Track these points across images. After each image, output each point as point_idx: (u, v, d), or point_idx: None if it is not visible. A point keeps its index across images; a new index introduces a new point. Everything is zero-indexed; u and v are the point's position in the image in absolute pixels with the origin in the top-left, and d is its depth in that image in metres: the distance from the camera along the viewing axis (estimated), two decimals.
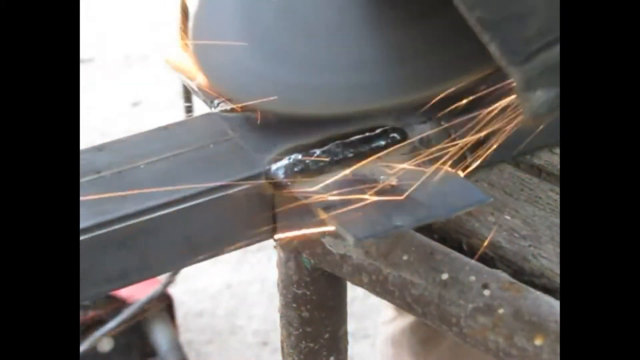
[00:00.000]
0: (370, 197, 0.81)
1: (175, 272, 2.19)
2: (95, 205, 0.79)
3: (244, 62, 0.92)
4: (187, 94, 0.94)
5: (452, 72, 0.87)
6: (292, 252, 0.96)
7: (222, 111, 0.92)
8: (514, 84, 0.80)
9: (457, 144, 0.89)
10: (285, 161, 0.85)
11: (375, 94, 0.88)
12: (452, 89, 0.86)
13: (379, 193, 0.82)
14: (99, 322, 2.18)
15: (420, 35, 0.89)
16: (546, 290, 0.84)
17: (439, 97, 0.86)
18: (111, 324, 2.13)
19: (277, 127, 0.89)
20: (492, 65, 0.84)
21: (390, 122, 0.90)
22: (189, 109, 1.79)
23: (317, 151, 0.86)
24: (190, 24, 0.97)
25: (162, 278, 2.28)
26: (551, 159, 0.97)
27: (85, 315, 2.17)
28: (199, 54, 0.94)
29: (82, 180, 0.82)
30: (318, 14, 0.93)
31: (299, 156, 0.85)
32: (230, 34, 0.94)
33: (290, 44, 0.91)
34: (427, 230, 0.90)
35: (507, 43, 0.78)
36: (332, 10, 0.92)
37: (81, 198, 0.79)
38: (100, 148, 0.87)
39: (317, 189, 0.83)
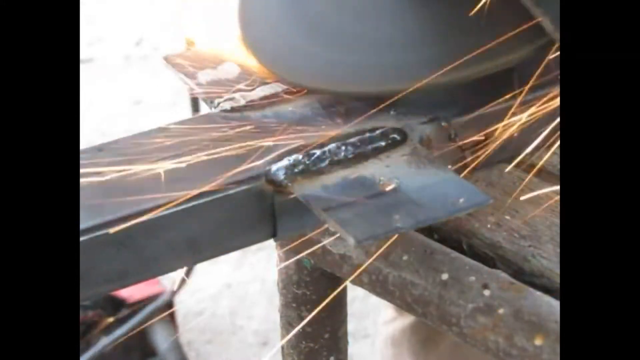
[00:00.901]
0: (370, 198, 0.81)
1: (182, 282, 2.20)
2: (95, 206, 0.79)
3: (292, 41, 0.93)
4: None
5: (496, 51, 0.87)
6: (292, 252, 0.96)
7: (222, 111, 0.92)
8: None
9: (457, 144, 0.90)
10: (285, 161, 0.85)
11: (425, 71, 0.88)
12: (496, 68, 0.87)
13: (379, 194, 0.82)
14: (99, 322, 2.18)
15: (463, 13, 0.89)
16: (546, 290, 0.84)
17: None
18: (118, 332, 2.13)
19: (277, 127, 0.89)
20: (527, 48, 0.85)
21: (391, 122, 0.90)
22: (195, 103, 1.77)
23: (317, 151, 0.86)
24: (237, 4, 0.98)
25: (168, 284, 2.28)
26: (551, 159, 0.97)
27: (85, 315, 2.17)
28: (248, 34, 0.96)
29: (82, 180, 0.82)
30: None
31: (299, 156, 0.85)
32: (276, 13, 0.96)
33: (339, 24, 0.92)
34: (427, 230, 0.90)
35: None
36: None
37: (81, 199, 0.79)
38: (100, 148, 0.87)
39: (317, 190, 0.83)
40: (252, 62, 0.96)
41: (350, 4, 0.94)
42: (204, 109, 0.94)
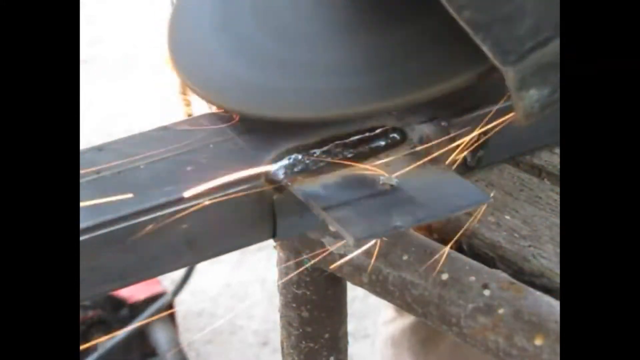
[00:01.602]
0: (369, 197, 0.81)
1: (184, 281, 2.20)
2: (95, 206, 0.79)
3: (223, 65, 0.91)
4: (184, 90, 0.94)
5: (432, 77, 0.86)
6: (292, 252, 0.97)
7: (222, 111, 0.92)
8: (508, 84, 0.80)
9: (457, 144, 0.90)
10: (285, 161, 0.85)
11: (356, 98, 0.87)
12: (434, 95, 0.85)
13: (378, 193, 0.82)
14: (99, 322, 2.18)
15: (400, 41, 0.88)
16: (546, 290, 0.84)
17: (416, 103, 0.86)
18: (120, 334, 2.14)
19: (277, 127, 0.89)
20: (474, 69, 0.84)
21: (390, 122, 0.90)
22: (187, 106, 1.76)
23: (317, 151, 0.86)
24: (167, 26, 0.96)
25: (169, 285, 2.29)
26: (551, 159, 0.97)
27: (85, 315, 2.17)
28: (177, 56, 0.94)
29: (82, 180, 0.82)
30: (296, 18, 0.92)
31: (299, 156, 0.85)
32: (208, 37, 0.93)
33: (269, 48, 0.91)
34: (427, 230, 0.90)
35: (500, 43, 0.78)
36: (310, 14, 0.92)
37: (81, 198, 0.79)
38: (100, 148, 0.87)
39: (317, 189, 0.83)
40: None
41: (279, 27, 0.92)
42: (204, 109, 0.94)
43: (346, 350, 1.05)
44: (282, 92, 0.88)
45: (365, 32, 0.90)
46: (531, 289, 0.83)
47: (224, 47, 0.92)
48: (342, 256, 0.91)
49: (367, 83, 0.87)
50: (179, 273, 2.22)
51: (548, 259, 0.87)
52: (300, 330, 1.01)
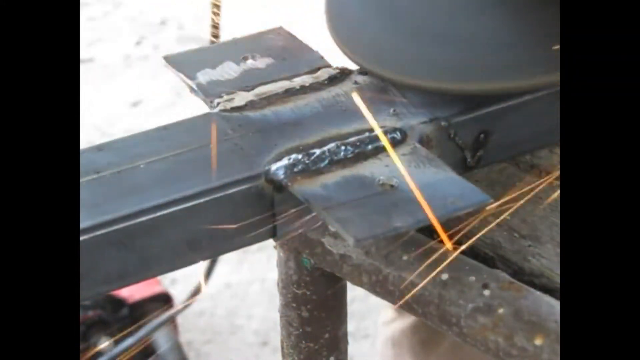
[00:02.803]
0: (369, 198, 0.81)
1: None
2: (95, 205, 0.79)
3: (381, 35, 0.94)
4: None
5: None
6: (292, 252, 0.96)
7: (222, 111, 0.92)
8: None
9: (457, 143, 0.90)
10: (285, 161, 0.85)
11: (510, 74, 0.89)
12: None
13: (378, 193, 0.82)
14: (99, 322, 2.18)
15: (552, 17, 0.89)
16: (546, 290, 0.84)
17: None
18: (124, 345, 2.14)
19: (277, 127, 0.89)
20: None
21: (390, 122, 0.90)
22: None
23: (317, 151, 0.86)
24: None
25: (169, 285, 2.28)
26: (551, 159, 0.97)
27: (85, 315, 2.16)
28: (336, 28, 0.97)
29: (82, 180, 0.82)
30: None
31: (299, 156, 0.85)
32: (365, 8, 0.96)
33: (427, 20, 0.93)
34: (427, 230, 0.90)
35: None
36: None
37: (81, 198, 0.79)
38: (100, 148, 0.87)
39: (317, 189, 0.83)
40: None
41: (443, 3, 0.94)
42: (204, 109, 0.95)
43: (346, 350, 1.05)
44: (441, 63, 0.91)
45: (521, 6, 0.92)
46: (531, 289, 0.83)
47: (381, 17, 0.95)
48: (342, 256, 0.91)
49: (526, 57, 0.89)
50: (180, 273, 2.22)
51: (548, 259, 0.87)
52: (300, 330, 1.01)
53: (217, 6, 1.00)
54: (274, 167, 0.84)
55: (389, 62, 0.93)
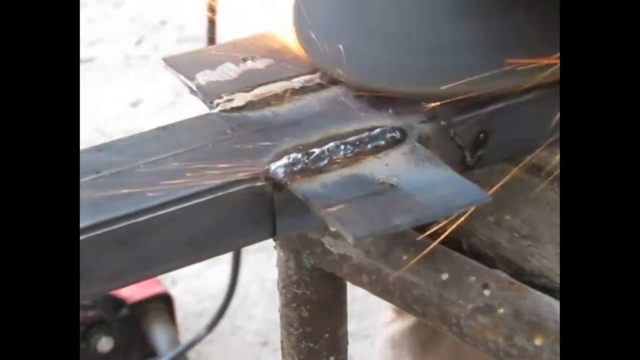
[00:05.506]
0: (369, 196, 0.81)
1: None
2: (95, 205, 0.79)
3: (346, 40, 0.95)
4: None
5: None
6: (292, 252, 0.97)
7: (221, 111, 0.92)
8: None
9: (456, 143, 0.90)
10: (285, 161, 0.85)
11: (472, 76, 0.90)
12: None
13: (378, 192, 0.82)
14: (99, 322, 2.18)
15: (514, 25, 0.92)
16: (546, 290, 0.84)
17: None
18: None
19: (276, 127, 0.89)
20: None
21: (390, 121, 0.90)
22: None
23: (317, 150, 0.86)
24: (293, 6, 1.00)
25: (170, 285, 2.29)
26: (551, 159, 0.97)
27: (85, 315, 2.16)
28: (302, 29, 0.98)
29: (82, 180, 0.82)
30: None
31: (299, 155, 0.85)
32: (334, 14, 0.98)
33: (393, 26, 0.95)
34: (427, 230, 0.90)
35: None
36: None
37: (81, 198, 0.79)
38: (100, 148, 0.87)
39: (317, 188, 0.83)
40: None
41: (407, 10, 0.96)
42: (204, 109, 0.95)
43: (346, 350, 1.05)
44: (405, 68, 0.92)
45: (486, 14, 0.93)
46: (531, 289, 0.83)
47: (349, 24, 0.96)
48: (342, 256, 0.91)
49: (483, 62, 0.90)
50: (180, 273, 2.22)
51: (548, 258, 0.87)
52: (300, 330, 1.01)
53: (213, 7, 1.00)
54: (273, 166, 0.84)
55: (350, 67, 0.94)
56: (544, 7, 0.91)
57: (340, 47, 0.94)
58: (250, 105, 0.93)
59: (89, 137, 2.98)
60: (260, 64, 0.99)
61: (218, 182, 0.82)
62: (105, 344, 2.18)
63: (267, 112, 0.92)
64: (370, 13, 0.96)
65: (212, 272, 2.70)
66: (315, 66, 0.96)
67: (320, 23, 0.98)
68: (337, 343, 1.03)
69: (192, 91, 0.96)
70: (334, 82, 0.95)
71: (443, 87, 0.89)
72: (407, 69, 0.93)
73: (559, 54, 0.87)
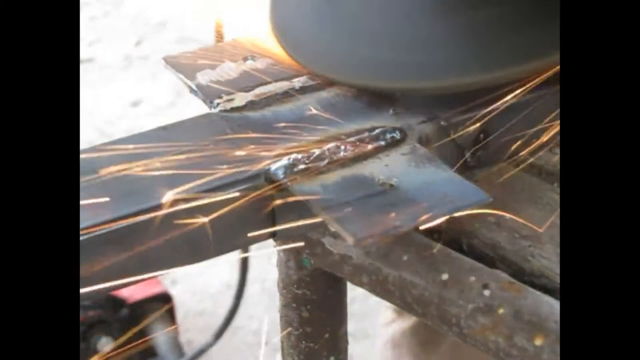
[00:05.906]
0: (369, 197, 0.81)
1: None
2: (95, 205, 0.79)
3: (320, 34, 0.96)
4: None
5: (514, 60, 0.89)
6: (292, 252, 0.96)
7: (221, 111, 0.92)
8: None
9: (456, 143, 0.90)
10: (284, 161, 0.85)
11: (441, 73, 0.91)
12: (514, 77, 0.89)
13: (378, 193, 0.82)
14: (99, 322, 2.18)
15: (491, 19, 0.92)
16: (546, 290, 0.84)
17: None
18: None
19: (276, 127, 0.89)
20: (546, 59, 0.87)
21: (390, 122, 0.90)
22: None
23: (317, 151, 0.86)
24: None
25: (170, 285, 2.28)
26: (551, 159, 0.97)
27: (85, 315, 2.17)
28: (282, 31, 0.99)
29: (81, 180, 0.82)
30: None
31: (299, 156, 0.85)
32: (312, 13, 0.99)
33: (370, 22, 0.95)
34: (427, 230, 0.90)
35: None
36: None
37: (81, 198, 0.79)
38: (100, 148, 0.87)
39: (317, 189, 0.83)
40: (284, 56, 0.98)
41: (383, 6, 0.96)
42: (204, 109, 0.95)
43: (346, 350, 1.05)
44: (383, 64, 0.93)
45: (450, 10, 0.94)
46: (531, 289, 0.83)
47: (328, 22, 0.97)
48: (342, 256, 0.91)
49: (461, 57, 0.91)
50: (180, 273, 2.22)
51: (548, 259, 0.87)
52: (300, 330, 1.01)
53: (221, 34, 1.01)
54: (273, 167, 0.84)
55: (327, 63, 0.95)
56: (518, 2, 0.92)
57: (318, 45, 0.95)
58: (250, 105, 0.93)
59: (89, 137, 2.99)
60: (260, 64, 0.99)
61: (218, 182, 0.82)
62: (105, 344, 2.19)
63: (267, 112, 0.93)
64: (346, 9, 0.96)
65: (212, 272, 2.71)
66: (302, 68, 0.97)
67: (297, 22, 0.99)
68: (337, 343, 1.03)
69: (192, 91, 0.96)
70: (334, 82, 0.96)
71: (420, 83, 0.90)
72: (384, 64, 0.93)
73: (540, 49, 0.87)
